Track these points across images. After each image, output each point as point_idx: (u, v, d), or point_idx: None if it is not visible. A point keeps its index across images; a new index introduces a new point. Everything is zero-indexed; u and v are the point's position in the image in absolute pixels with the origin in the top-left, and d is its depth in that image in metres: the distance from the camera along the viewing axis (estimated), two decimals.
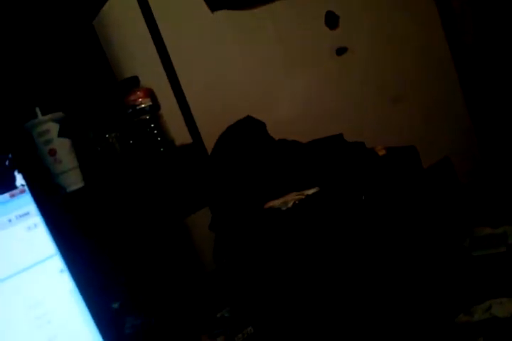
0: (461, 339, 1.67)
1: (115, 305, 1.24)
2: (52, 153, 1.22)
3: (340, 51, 2.30)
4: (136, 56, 1.71)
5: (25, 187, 0.88)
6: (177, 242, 1.67)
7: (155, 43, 1.39)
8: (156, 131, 1.37)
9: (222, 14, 2.00)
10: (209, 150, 1.60)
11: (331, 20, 2.26)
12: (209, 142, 1.61)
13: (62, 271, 0.92)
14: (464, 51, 2.66)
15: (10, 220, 0.87)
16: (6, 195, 0.87)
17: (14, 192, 0.87)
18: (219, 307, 1.44)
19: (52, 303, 0.90)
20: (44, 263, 0.90)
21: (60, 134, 1.23)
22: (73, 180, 1.25)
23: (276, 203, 1.55)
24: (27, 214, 0.89)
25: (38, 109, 1.22)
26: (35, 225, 0.90)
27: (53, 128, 1.23)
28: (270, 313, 1.45)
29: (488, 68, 2.63)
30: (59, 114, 1.25)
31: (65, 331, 0.90)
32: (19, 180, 0.87)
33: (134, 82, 1.40)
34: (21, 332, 0.87)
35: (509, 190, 2.48)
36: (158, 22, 1.40)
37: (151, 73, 1.46)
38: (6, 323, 0.85)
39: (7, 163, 0.87)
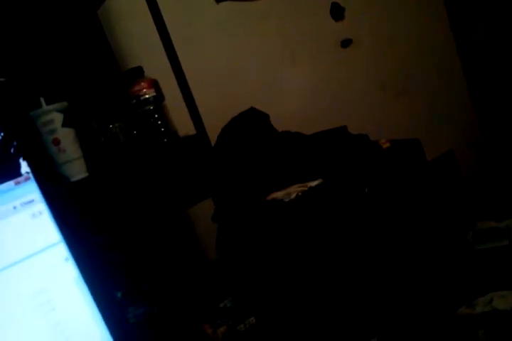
0: (462, 332, 1.67)
1: (118, 295, 1.25)
2: (56, 142, 1.22)
3: (345, 43, 2.29)
4: (141, 46, 1.71)
5: (30, 175, 0.88)
6: (180, 233, 1.68)
7: (160, 34, 1.39)
8: (159, 122, 1.37)
9: (227, 5, 2.00)
10: (212, 142, 1.60)
11: (336, 12, 2.25)
12: (212, 133, 1.61)
13: (67, 259, 0.92)
14: (469, 44, 2.65)
15: (15, 207, 0.88)
16: (11, 183, 0.87)
17: (19, 179, 0.87)
18: (221, 297, 1.45)
19: (57, 291, 0.90)
20: (49, 251, 0.91)
21: (64, 124, 1.23)
22: (77, 170, 1.25)
23: (279, 195, 1.55)
24: (32, 201, 0.89)
25: (42, 99, 1.22)
26: (40, 213, 0.90)
27: (57, 118, 1.23)
28: (272, 303, 1.46)
29: (492, 61, 2.62)
30: (63, 104, 1.25)
31: (68, 318, 0.90)
32: (24, 167, 0.87)
33: (138, 73, 1.39)
34: (26, 318, 0.87)
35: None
36: (162, 12, 1.40)
37: (155, 63, 1.45)
38: (11, 310, 0.86)
39: (12, 150, 0.87)
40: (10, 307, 0.86)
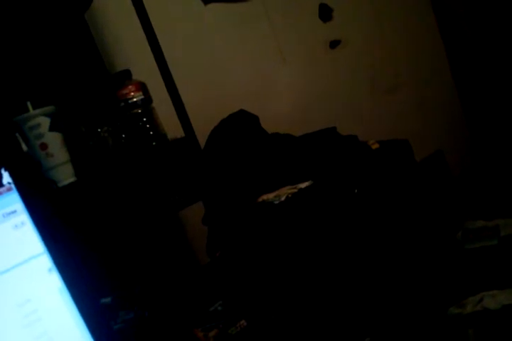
0: (452, 331, 1.68)
1: (107, 300, 1.24)
2: (44, 147, 1.21)
3: (334, 44, 2.29)
4: (129, 49, 1.70)
5: (12, 185, 0.86)
6: (171, 236, 1.67)
7: (147, 36, 1.38)
8: (148, 125, 1.36)
9: (215, 7, 1.99)
10: (202, 144, 1.60)
11: (325, 13, 2.25)
12: (202, 136, 1.61)
13: (50, 269, 0.91)
14: (458, 44, 2.66)
15: None
16: None
17: (1, 190, 0.85)
18: (212, 300, 1.44)
19: (41, 302, 0.89)
20: (32, 262, 0.89)
21: (52, 128, 1.22)
22: (65, 175, 1.24)
23: (269, 197, 1.55)
24: (14, 212, 0.88)
25: (29, 103, 1.21)
26: (23, 223, 0.89)
27: (44, 122, 1.21)
28: (263, 306, 1.46)
29: (481, 62, 2.63)
30: (50, 108, 1.24)
31: (54, 329, 0.89)
32: (6, 178, 0.86)
33: (126, 76, 1.38)
34: (11, 330, 0.86)
35: (501, 183, 2.49)
36: (150, 15, 1.39)
37: (143, 66, 1.45)
38: None
39: None
40: None
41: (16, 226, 0.89)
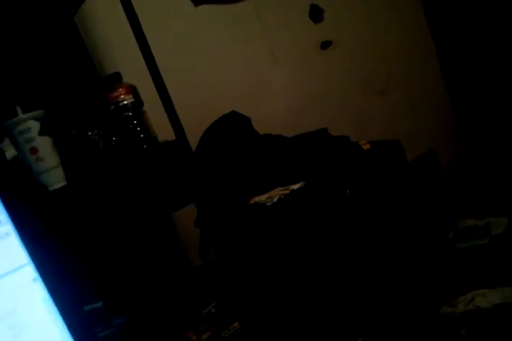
0: (444, 331, 1.69)
1: (98, 305, 1.23)
2: (34, 151, 1.20)
3: (325, 45, 2.29)
4: (119, 52, 1.69)
5: None
6: (163, 239, 1.67)
7: (137, 39, 1.37)
8: (139, 128, 1.36)
9: (205, 8, 1.99)
10: (194, 146, 1.59)
11: (315, 14, 2.25)
12: (194, 137, 1.61)
13: (34, 279, 0.90)
14: (448, 45, 2.67)
15: None
16: None
17: None
18: (205, 303, 1.44)
19: (26, 312, 0.89)
20: (17, 272, 0.89)
21: (42, 132, 1.21)
22: (55, 179, 1.23)
23: (261, 198, 1.55)
24: None
25: (18, 108, 1.20)
26: (7, 234, 0.89)
27: (34, 126, 1.21)
28: (256, 308, 1.46)
29: (472, 62, 2.64)
30: (40, 112, 1.23)
31: (38, 339, 0.89)
32: None
33: (116, 78, 1.38)
34: None
35: (492, 182, 2.51)
36: (140, 17, 1.38)
37: (133, 69, 1.44)
38: None
39: None
40: None
41: (1, 236, 0.88)
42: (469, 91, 2.68)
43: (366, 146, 1.75)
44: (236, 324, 1.38)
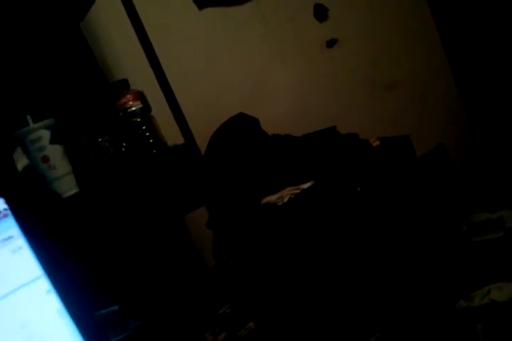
0: (461, 325, 1.69)
1: (115, 308, 1.25)
2: (46, 160, 1.22)
3: (331, 43, 2.29)
4: (125, 58, 1.71)
5: (8, 211, 0.87)
6: (176, 241, 1.69)
7: (142, 45, 1.38)
8: (148, 133, 1.37)
9: (210, 11, 2.00)
10: (203, 149, 1.61)
11: (320, 13, 2.25)
12: (203, 140, 1.62)
13: (48, 291, 0.92)
14: (455, 38, 2.65)
15: None
16: None
17: None
18: (220, 303, 1.46)
19: (41, 324, 0.90)
20: (31, 285, 0.90)
21: (52, 141, 1.23)
22: (68, 186, 1.25)
23: (272, 198, 1.56)
24: (11, 237, 0.89)
25: (29, 117, 1.22)
26: (20, 248, 0.90)
27: (45, 135, 1.23)
28: (271, 308, 1.47)
29: (480, 55, 2.63)
30: (50, 121, 1.25)
31: None
32: (1, 204, 0.87)
33: (123, 85, 1.40)
34: None
35: (504, 175, 2.49)
36: (145, 22, 1.39)
37: (140, 75, 1.46)
38: None
39: None
40: None
41: (14, 251, 0.90)
42: (478, 83, 2.67)
43: (376, 143, 1.75)
44: (251, 324, 1.39)
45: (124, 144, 1.36)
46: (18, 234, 0.90)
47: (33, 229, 0.90)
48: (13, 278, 0.89)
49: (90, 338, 0.91)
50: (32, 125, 1.23)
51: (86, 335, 0.90)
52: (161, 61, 1.42)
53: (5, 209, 0.88)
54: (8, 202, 0.86)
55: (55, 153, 1.24)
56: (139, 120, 1.36)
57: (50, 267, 0.89)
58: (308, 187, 1.56)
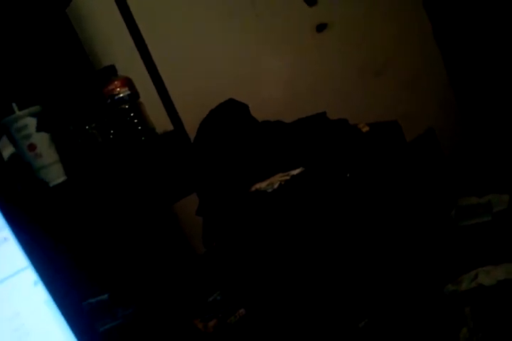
0: (449, 309, 1.71)
1: (104, 297, 1.25)
2: (32, 148, 1.21)
3: (321, 27, 2.27)
4: (113, 44, 1.68)
5: None
6: (166, 229, 1.68)
7: (130, 30, 1.36)
8: (136, 120, 1.36)
9: None
10: (192, 136, 1.59)
11: None
12: (192, 127, 1.61)
13: (36, 282, 0.92)
14: (445, 23, 2.64)
15: None
16: None
17: None
18: (210, 291, 1.46)
19: (29, 315, 0.90)
20: (17, 276, 0.90)
21: (39, 128, 1.22)
22: (55, 174, 1.24)
23: (262, 185, 1.55)
24: None
25: (14, 105, 1.21)
26: (5, 239, 0.90)
27: (31, 122, 1.21)
28: (261, 294, 1.48)
29: (470, 39, 2.62)
30: (36, 108, 1.24)
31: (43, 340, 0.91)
32: None
33: (111, 71, 1.38)
34: None
35: (493, 159, 2.51)
36: (132, 7, 1.37)
37: (128, 61, 1.44)
38: None
39: None
40: None
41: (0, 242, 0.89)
42: (468, 68, 2.66)
43: (365, 129, 1.75)
44: (242, 310, 1.40)
45: (112, 131, 1.35)
46: (3, 225, 0.89)
47: (19, 219, 0.89)
48: (0, 268, 0.88)
49: (78, 328, 0.91)
50: (18, 112, 1.21)
51: (74, 326, 0.91)
52: (149, 47, 1.40)
53: None
54: None
55: (42, 140, 1.23)
56: (127, 107, 1.35)
57: (37, 258, 0.88)
58: (298, 174, 1.56)
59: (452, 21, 2.62)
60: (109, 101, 1.34)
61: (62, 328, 0.93)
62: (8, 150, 1.25)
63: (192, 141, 1.57)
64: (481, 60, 2.60)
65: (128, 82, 1.36)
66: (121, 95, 1.34)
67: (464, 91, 2.71)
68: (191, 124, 1.57)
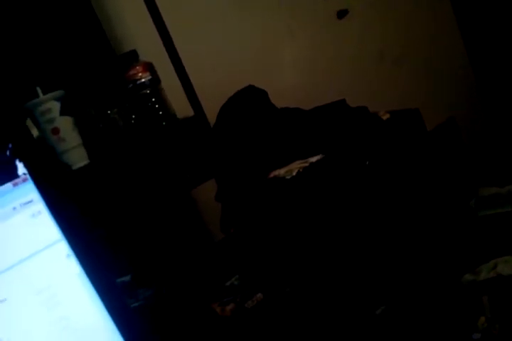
0: (467, 299, 1.70)
1: (127, 278, 1.27)
2: (56, 131, 1.23)
3: (341, 14, 2.25)
4: (134, 29, 1.68)
5: (27, 176, 0.89)
6: (185, 214, 1.70)
7: (152, 17, 1.37)
8: (157, 105, 1.37)
9: None
10: (212, 122, 1.60)
11: None
12: (212, 113, 1.61)
13: (68, 255, 0.94)
14: (469, 10, 2.60)
15: (14, 208, 0.89)
16: (9, 184, 0.88)
17: (17, 180, 0.88)
18: (228, 275, 1.48)
19: (61, 287, 0.93)
20: (51, 249, 0.92)
21: (62, 112, 1.23)
22: (78, 158, 1.26)
23: (280, 172, 1.56)
24: (31, 201, 0.90)
25: (38, 89, 1.22)
26: (39, 212, 0.92)
27: (55, 106, 1.23)
28: (279, 279, 1.49)
29: (493, 27, 2.58)
30: (60, 92, 1.25)
31: (73, 312, 0.93)
32: (21, 168, 0.88)
33: (132, 57, 1.38)
34: (33, 314, 0.90)
35: None
36: None
37: (150, 46, 1.45)
38: (18, 308, 0.88)
39: (8, 152, 0.88)
40: (17, 306, 0.88)
41: (33, 215, 0.91)
42: (491, 57, 2.62)
43: (386, 116, 1.74)
44: (259, 295, 1.41)
45: (133, 116, 1.36)
46: (37, 198, 0.91)
47: (52, 193, 0.91)
48: (33, 242, 0.91)
49: (110, 303, 0.93)
50: (42, 96, 1.23)
51: (106, 300, 0.93)
52: (171, 33, 1.41)
53: (24, 174, 0.89)
54: (27, 166, 0.87)
55: (65, 124, 1.24)
56: (148, 92, 1.36)
57: (69, 231, 0.91)
58: (317, 161, 1.56)
59: (476, 8, 2.58)
60: (130, 86, 1.35)
61: (93, 300, 0.96)
62: (34, 132, 1.27)
63: (212, 127, 1.58)
64: (505, 48, 2.56)
65: (149, 67, 1.37)
66: (142, 80, 1.35)
67: (486, 80, 2.67)
68: (211, 110, 1.58)
